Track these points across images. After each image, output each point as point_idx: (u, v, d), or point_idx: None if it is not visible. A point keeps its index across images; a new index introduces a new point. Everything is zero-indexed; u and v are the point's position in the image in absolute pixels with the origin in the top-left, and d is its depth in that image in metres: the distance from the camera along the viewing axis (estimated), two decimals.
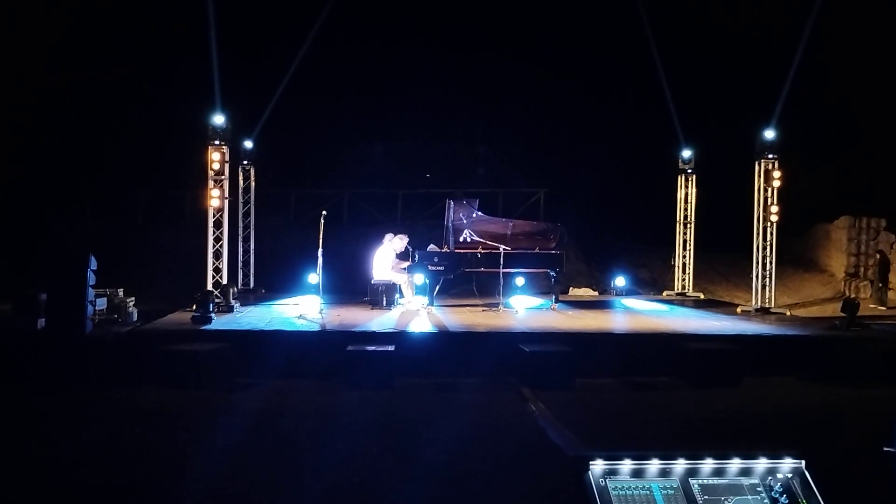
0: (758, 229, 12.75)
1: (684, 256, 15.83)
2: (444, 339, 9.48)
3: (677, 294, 15.70)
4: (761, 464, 2.13)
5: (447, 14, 21.48)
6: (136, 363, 8.47)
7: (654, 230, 17.79)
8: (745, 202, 13.13)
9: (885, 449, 2.16)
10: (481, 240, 11.97)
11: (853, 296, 15.47)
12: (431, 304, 11.68)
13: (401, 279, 12.06)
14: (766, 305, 12.68)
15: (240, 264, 14.89)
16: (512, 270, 12.02)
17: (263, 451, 5.81)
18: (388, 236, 12.25)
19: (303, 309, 11.43)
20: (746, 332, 10.10)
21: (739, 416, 7.28)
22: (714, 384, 8.39)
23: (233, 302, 11.58)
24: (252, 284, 15.13)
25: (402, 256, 12.18)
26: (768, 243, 12.70)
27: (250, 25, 19.70)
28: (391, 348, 8.52)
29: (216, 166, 11.89)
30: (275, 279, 15.17)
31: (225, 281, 12.03)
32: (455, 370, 8.80)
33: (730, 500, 2.07)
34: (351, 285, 13.60)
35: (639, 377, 8.84)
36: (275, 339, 9.27)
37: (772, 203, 12.52)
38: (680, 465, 2.10)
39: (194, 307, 10.28)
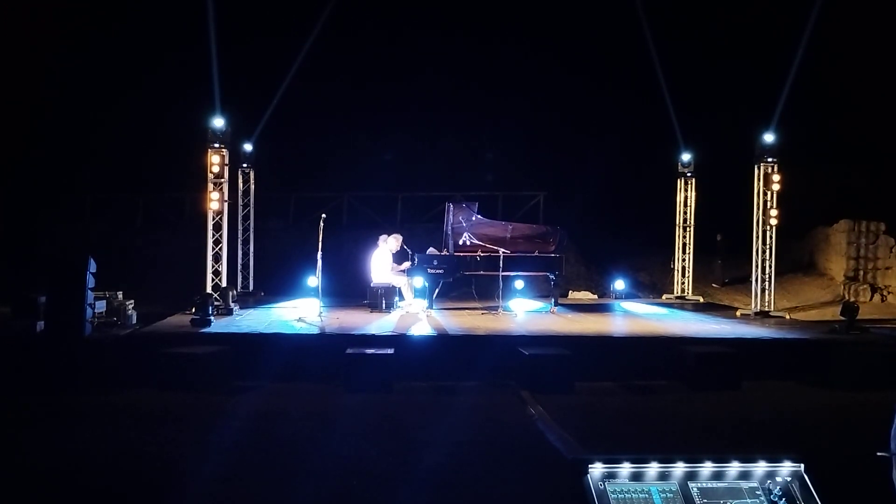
0: (757, 233, 12.76)
1: (684, 260, 15.84)
2: (443, 342, 9.48)
3: (676, 297, 15.70)
4: (760, 467, 2.13)
5: (446, 18, 21.51)
6: (135, 366, 8.46)
7: (653, 233, 17.80)
8: (744, 206, 13.14)
9: (879, 454, 2.16)
10: (481, 243, 11.97)
11: (852, 299, 15.47)
12: (431, 307, 11.68)
13: (400, 282, 12.05)
14: (766, 309, 12.69)
15: (239, 267, 14.89)
16: (511, 273, 12.01)
17: (262, 454, 5.80)
18: (383, 237, 12.25)
19: (302, 312, 11.43)
20: (746, 335, 10.09)
21: (739, 419, 7.28)
22: (713, 388, 8.38)
23: (232, 305, 11.57)
24: (251, 287, 15.13)
25: (401, 258, 12.18)
26: (768, 247, 12.71)
27: (250, 28, 19.72)
28: (390, 351, 8.51)
29: (216, 169, 11.90)
30: (274, 282, 15.17)
31: (224, 284, 12.02)
32: (454, 373, 8.78)
33: (729, 503, 2.07)
34: (350, 288, 13.60)
35: (638, 381, 8.84)
36: (274, 342, 9.27)
37: (771, 206, 12.53)
38: (679, 468, 2.10)
39: (193, 310, 10.28)
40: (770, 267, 12.74)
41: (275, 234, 17.11)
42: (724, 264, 17.85)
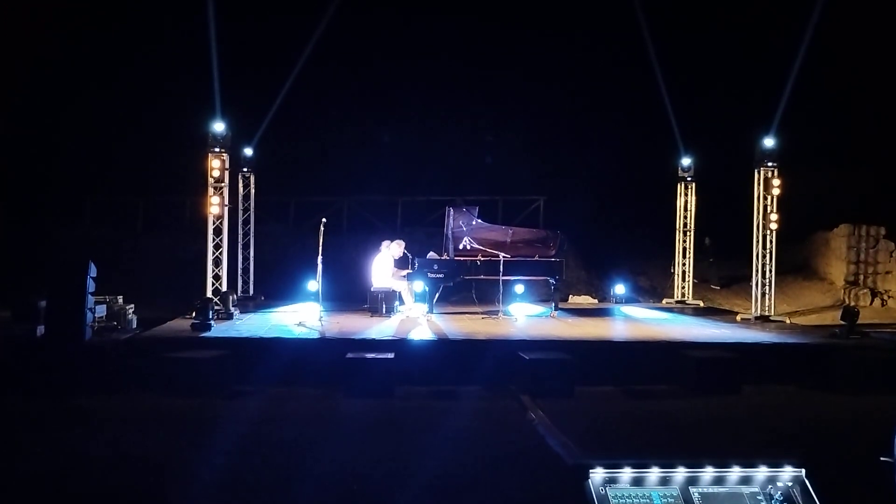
0: (757, 237, 12.75)
1: (684, 264, 15.83)
2: (443, 346, 9.48)
3: (677, 302, 15.68)
4: (761, 472, 2.13)
5: (446, 22, 21.54)
6: (135, 370, 8.45)
7: (653, 238, 17.80)
8: (744, 210, 13.14)
9: (882, 459, 2.16)
10: (481, 247, 11.97)
11: (853, 304, 15.47)
12: (431, 311, 11.68)
13: (401, 287, 12.05)
14: (766, 313, 12.68)
15: (239, 271, 14.88)
16: (511, 278, 12.02)
17: (262, 459, 5.79)
18: (385, 243, 12.26)
19: (302, 316, 11.42)
20: (746, 339, 10.09)
21: (739, 424, 7.28)
22: (714, 392, 8.38)
23: (232, 309, 11.57)
24: (251, 291, 15.11)
25: (402, 263, 12.18)
26: (768, 251, 12.71)
27: (251, 33, 19.75)
28: (391, 356, 8.51)
29: (216, 173, 11.89)
30: (274, 286, 15.15)
31: (224, 288, 12.01)
32: (455, 378, 8.78)
33: None
34: (350, 293, 13.58)
35: (638, 385, 8.83)
36: (274, 346, 9.26)
37: (771, 211, 12.53)
38: (680, 473, 2.10)
39: (194, 314, 10.27)
40: (770, 271, 12.73)
41: (275, 239, 17.10)
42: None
